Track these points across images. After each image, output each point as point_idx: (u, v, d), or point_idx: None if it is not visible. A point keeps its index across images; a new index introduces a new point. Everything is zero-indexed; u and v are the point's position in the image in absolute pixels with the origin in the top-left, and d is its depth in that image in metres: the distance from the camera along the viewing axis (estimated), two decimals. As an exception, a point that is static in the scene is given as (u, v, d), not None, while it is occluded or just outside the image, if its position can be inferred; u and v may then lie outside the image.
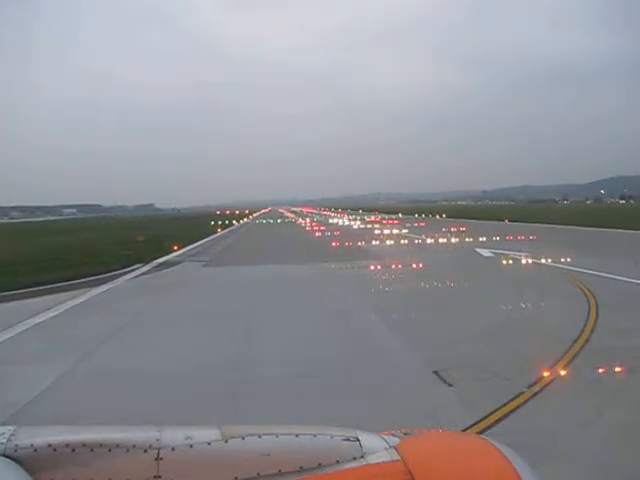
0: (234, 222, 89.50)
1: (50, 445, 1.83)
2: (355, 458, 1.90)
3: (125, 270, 26.73)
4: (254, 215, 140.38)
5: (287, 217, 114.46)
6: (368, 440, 1.99)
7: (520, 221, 61.04)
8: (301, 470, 1.85)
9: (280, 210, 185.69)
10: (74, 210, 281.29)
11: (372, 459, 1.90)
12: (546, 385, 8.77)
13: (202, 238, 49.86)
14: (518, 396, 8.24)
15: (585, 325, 12.62)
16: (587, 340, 11.38)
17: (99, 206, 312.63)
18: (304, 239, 47.17)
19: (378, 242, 39.29)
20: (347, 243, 38.99)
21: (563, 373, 9.35)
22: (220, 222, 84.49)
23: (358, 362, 10.55)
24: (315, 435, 1.97)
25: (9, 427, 1.91)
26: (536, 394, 8.38)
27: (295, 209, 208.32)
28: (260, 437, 1.93)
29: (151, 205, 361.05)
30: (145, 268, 27.83)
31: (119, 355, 11.61)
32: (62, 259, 31.94)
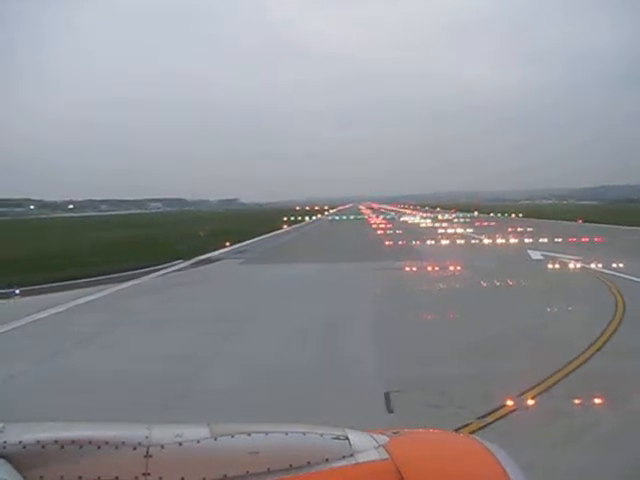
0: (306, 218, 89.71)
1: (39, 442, 1.80)
2: (344, 457, 1.90)
3: (162, 266, 26.58)
4: (331, 211, 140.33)
5: (362, 214, 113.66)
6: (357, 439, 1.98)
7: (597, 222, 57.98)
8: (290, 468, 1.84)
9: (360, 207, 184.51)
10: (159, 204, 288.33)
11: (361, 458, 1.90)
12: (500, 418, 7.56)
13: (264, 234, 49.85)
14: (459, 429, 7.05)
15: (593, 343, 11.14)
16: (585, 362, 10.00)
17: (183, 200, 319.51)
18: (362, 236, 46.22)
19: (433, 241, 37.87)
20: (401, 242, 37.96)
21: (528, 403, 8.07)
22: (292, 218, 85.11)
23: (312, 373, 9.74)
24: (304, 433, 1.96)
25: None
26: (482, 428, 7.18)
27: (375, 206, 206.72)
28: (249, 435, 1.91)
29: (235, 200, 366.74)
30: (181, 265, 27.60)
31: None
32: (111, 254, 32.35)
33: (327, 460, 1.89)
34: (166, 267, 26.40)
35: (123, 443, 1.85)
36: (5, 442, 1.82)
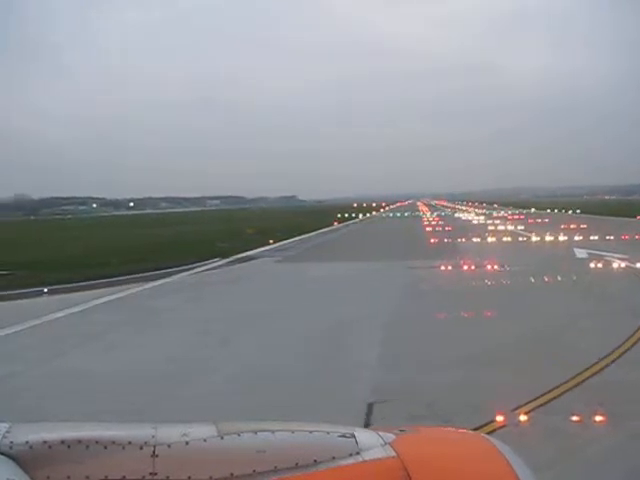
0: (359, 215, 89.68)
1: (45, 442, 1.79)
2: (351, 455, 1.88)
3: (196, 264, 26.60)
4: (387, 208, 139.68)
5: (418, 211, 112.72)
6: (364, 437, 1.96)
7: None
8: (297, 467, 1.83)
9: (418, 203, 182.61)
10: (218, 202, 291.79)
11: (368, 455, 1.88)
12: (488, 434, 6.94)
13: (312, 231, 49.83)
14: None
15: (612, 353, 10.33)
16: (596, 373, 9.26)
17: (242, 198, 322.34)
18: (409, 234, 45.59)
19: (479, 239, 36.90)
20: (447, 239, 37.22)
21: (520, 419, 7.44)
22: (346, 215, 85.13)
23: (302, 379, 9.33)
24: (311, 432, 1.95)
25: (4, 424, 1.88)
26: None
27: (434, 202, 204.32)
28: (256, 434, 1.90)
29: (293, 197, 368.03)
30: (218, 263, 27.57)
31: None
32: (151, 252, 32.67)
33: (334, 458, 1.87)
34: (200, 266, 26.35)
35: (130, 443, 1.83)
36: (12, 442, 1.80)
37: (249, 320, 14.26)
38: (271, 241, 38.38)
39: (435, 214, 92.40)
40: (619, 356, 10.20)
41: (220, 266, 26.71)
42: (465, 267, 23.28)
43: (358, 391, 8.76)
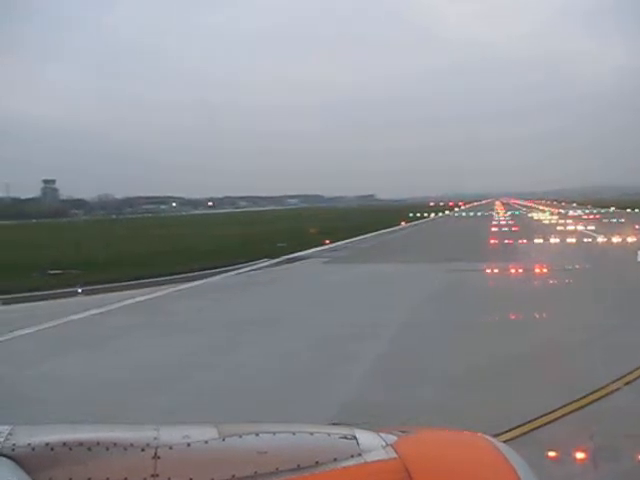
0: (431, 215, 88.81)
1: (48, 444, 1.80)
2: (352, 456, 1.87)
3: (243, 265, 26.62)
4: (462, 207, 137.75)
5: (492, 210, 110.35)
6: (365, 438, 1.96)
7: None
8: (298, 468, 1.82)
9: (496, 202, 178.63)
10: (296, 200, 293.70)
11: (369, 457, 1.88)
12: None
13: (374, 231, 49.25)
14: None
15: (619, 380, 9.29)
16: (601, 398, 8.40)
17: (320, 196, 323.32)
18: (470, 234, 44.39)
19: (542, 240, 35.45)
20: (508, 240, 36.16)
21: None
22: (418, 214, 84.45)
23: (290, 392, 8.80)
24: (312, 433, 1.95)
25: (7, 426, 1.88)
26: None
27: (512, 201, 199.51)
28: (257, 435, 1.90)
29: (371, 196, 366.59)
30: (264, 264, 27.44)
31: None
32: (204, 252, 33.06)
33: (335, 460, 1.86)
34: (246, 267, 26.29)
35: (131, 445, 1.83)
36: (14, 445, 1.80)
37: (237, 328, 13.67)
38: (328, 241, 38.14)
39: (509, 213, 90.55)
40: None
41: (265, 267, 26.58)
42: (512, 270, 22.31)
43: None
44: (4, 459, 1.77)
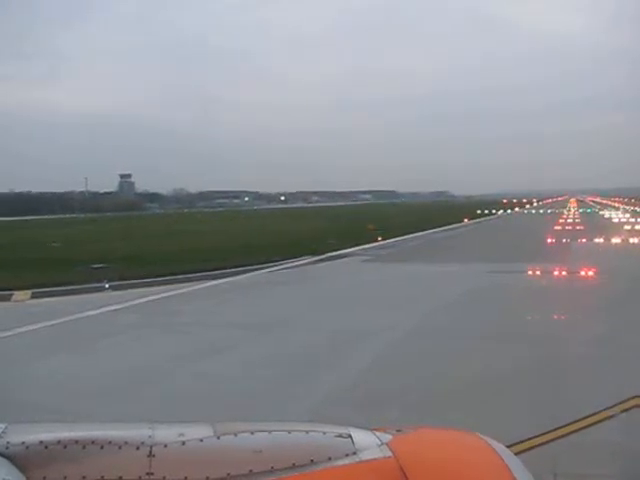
0: (499, 212, 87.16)
1: (42, 442, 1.79)
2: (347, 455, 1.87)
3: (281, 262, 26.53)
4: (535, 204, 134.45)
5: (561, 207, 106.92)
6: (360, 437, 1.96)
7: None
8: (293, 467, 1.82)
9: (571, 199, 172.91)
10: (369, 196, 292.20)
11: (364, 456, 1.88)
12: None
13: (432, 228, 48.51)
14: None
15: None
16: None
17: (393, 192, 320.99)
18: (529, 233, 42.81)
19: (602, 240, 33.99)
20: (565, 240, 34.91)
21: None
22: (486, 211, 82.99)
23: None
24: (307, 432, 1.95)
25: (0, 424, 1.87)
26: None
27: (590, 199, 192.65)
28: (252, 434, 1.89)
29: (445, 192, 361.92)
30: (302, 261, 27.27)
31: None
32: (249, 248, 33.19)
33: (330, 458, 1.86)
34: (283, 264, 26.15)
35: (126, 443, 1.82)
36: (8, 443, 1.79)
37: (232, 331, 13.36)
38: (380, 238, 37.66)
39: (580, 210, 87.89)
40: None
41: (301, 265, 26.31)
42: (555, 273, 21.30)
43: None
44: None
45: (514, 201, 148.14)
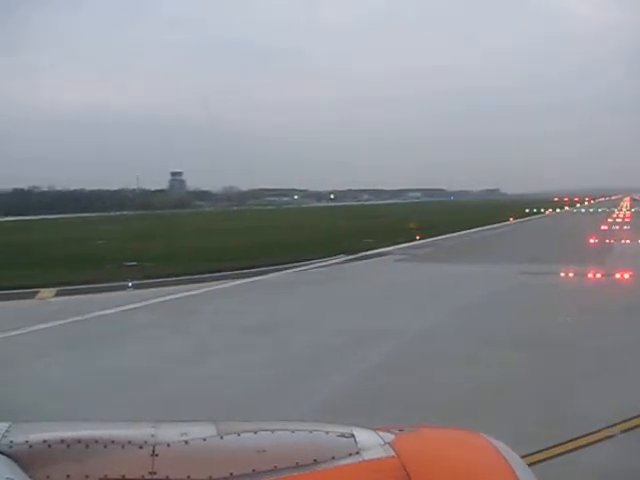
0: (547, 210, 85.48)
1: (45, 441, 1.79)
2: (350, 454, 1.87)
3: (314, 261, 26.38)
4: (586, 203, 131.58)
5: (614, 206, 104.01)
6: (363, 436, 1.96)
7: None
8: (297, 466, 1.82)
9: (625, 198, 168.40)
10: (418, 194, 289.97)
11: (367, 455, 1.88)
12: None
13: (475, 227, 48.01)
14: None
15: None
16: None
17: (442, 190, 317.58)
18: (574, 233, 41.78)
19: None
20: (609, 240, 33.83)
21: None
22: (535, 210, 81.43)
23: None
24: (311, 431, 1.94)
25: (4, 423, 1.88)
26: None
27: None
28: (256, 433, 1.89)
29: (496, 190, 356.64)
30: (334, 260, 27.04)
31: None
32: (284, 246, 33.14)
33: (333, 458, 1.86)
34: (315, 263, 26.01)
35: (129, 442, 1.82)
36: (11, 442, 1.79)
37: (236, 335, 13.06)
38: (419, 237, 37.21)
39: (633, 210, 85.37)
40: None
41: (333, 264, 26.10)
42: (590, 275, 20.62)
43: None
44: (1, 456, 1.75)
45: (565, 199, 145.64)
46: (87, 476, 1.76)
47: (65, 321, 13.92)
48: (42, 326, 13.42)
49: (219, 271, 22.85)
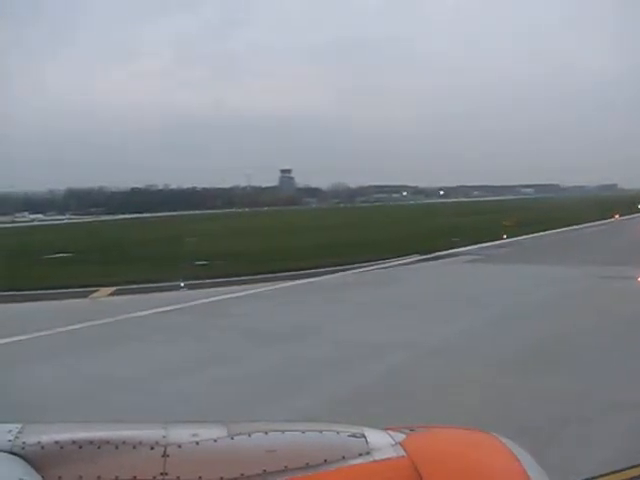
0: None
1: (57, 442, 1.83)
2: (361, 454, 1.88)
3: (386, 260, 25.99)
4: None
5: None
6: (374, 436, 1.96)
7: None
8: (307, 466, 1.83)
9: None
10: (531, 190, 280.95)
11: (378, 455, 1.89)
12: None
13: (572, 225, 45.97)
14: None
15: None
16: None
17: (556, 186, 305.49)
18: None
19: None
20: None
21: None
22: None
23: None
24: (321, 432, 1.95)
25: (17, 425, 1.92)
26: None
27: None
28: (266, 434, 1.91)
29: (613, 185, 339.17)
30: (406, 260, 26.44)
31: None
32: (365, 243, 32.85)
33: (344, 458, 1.86)
34: (386, 262, 25.51)
35: (140, 443, 1.84)
36: (24, 443, 1.83)
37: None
38: (505, 236, 36.01)
39: None
40: None
41: (400, 265, 25.35)
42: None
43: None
44: (14, 457, 1.78)
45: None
46: (99, 477, 1.77)
47: (92, 323, 13.91)
48: (63, 329, 13.33)
49: (283, 271, 22.76)
